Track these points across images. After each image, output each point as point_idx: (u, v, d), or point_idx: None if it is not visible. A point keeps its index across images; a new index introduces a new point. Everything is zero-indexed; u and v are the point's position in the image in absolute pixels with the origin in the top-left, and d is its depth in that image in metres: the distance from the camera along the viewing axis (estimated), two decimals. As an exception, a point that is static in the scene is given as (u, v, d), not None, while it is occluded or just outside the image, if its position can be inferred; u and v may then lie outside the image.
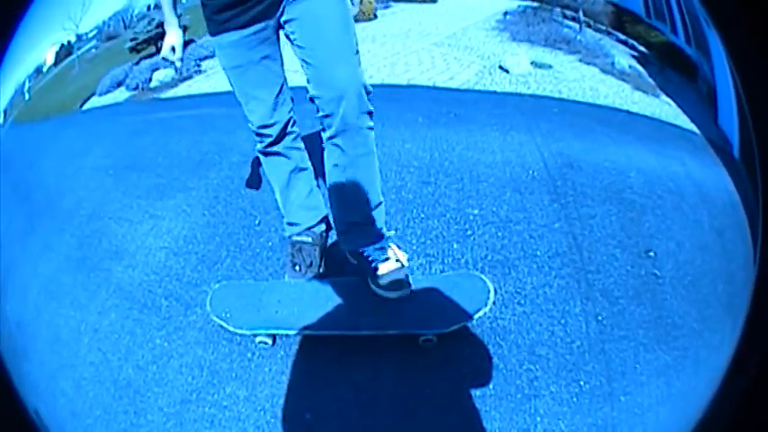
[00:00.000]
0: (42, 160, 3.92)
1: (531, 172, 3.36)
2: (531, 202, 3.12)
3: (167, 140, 4.17)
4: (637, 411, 2.20)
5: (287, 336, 2.48)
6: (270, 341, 2.50)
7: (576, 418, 2.17)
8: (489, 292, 2.48)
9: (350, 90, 2.36)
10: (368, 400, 2.26)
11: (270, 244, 2.98)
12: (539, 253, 2.80)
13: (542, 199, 3.14)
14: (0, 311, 2.49)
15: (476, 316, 2.40)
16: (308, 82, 2.44)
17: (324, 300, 2.55)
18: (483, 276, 2.59)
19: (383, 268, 2.52)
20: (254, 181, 3.36)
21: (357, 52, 2.44)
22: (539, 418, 2.16)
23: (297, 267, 2.74)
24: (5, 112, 3.41)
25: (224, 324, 2.51)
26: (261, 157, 2.76)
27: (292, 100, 2.66)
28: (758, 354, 1.32)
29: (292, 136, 2.71)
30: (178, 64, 2.80)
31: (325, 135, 2.48)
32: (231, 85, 2.60)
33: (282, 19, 2.45)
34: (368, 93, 2.41)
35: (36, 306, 2.80)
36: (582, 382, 2.26)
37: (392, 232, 2.67)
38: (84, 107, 4.62)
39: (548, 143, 3.63)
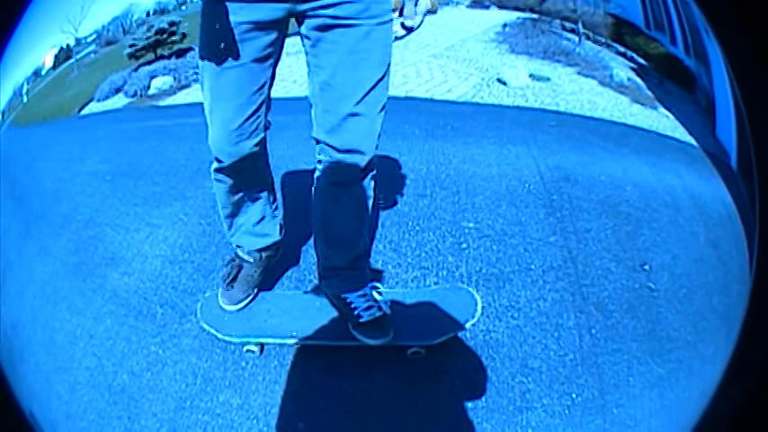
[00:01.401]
0: (39, 164, 3.93)
1: (527, 185, 3.36)
2: (526, 215, 3.13)
3: (165, 148, 4.17)
4: (629, 423, 2.21)
5: (280, 345, 2.48)
6: (257, 350, 2.49)
7: (568, 430, 2.17)
8: (477, 304, 2.48)
9: (368, 149, 2.20)
10: (360, 410, 2.26)
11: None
12: (533, 266, 2.80)
13: (538, 212, 3.15)
14: (-3, 313, 2.50)
15: (466, 325, 2.41)
16: (321, 124, 2.21)
17: (314, 310, 2.54)
18: (470, 289, 2.60)
19: (365, 315, 2.39)
20: None
21: (384, 107, 2.20)
22: (530, 431, 2.16)
23: (230, 285, 2.61)
24: (3, 113, 3.41)
25: (213, 331, 2.51)
26: (211, 174, 2.46)
27: (267, 127, 2.32)
28: (753, 365, 1.33)
29: (257, 169, 2.45)
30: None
31: (321, 178, 2.32)
32: (202, 85, 2.22)
33: (306, 29, 2.11)
34: (376, 149, 2.23)
35: (32, 309, 2.80)
36: (574, 395, 2.26)
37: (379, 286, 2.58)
38: (83, 112, 4.62)
39: (544, 156, 3.64)
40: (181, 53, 4.91)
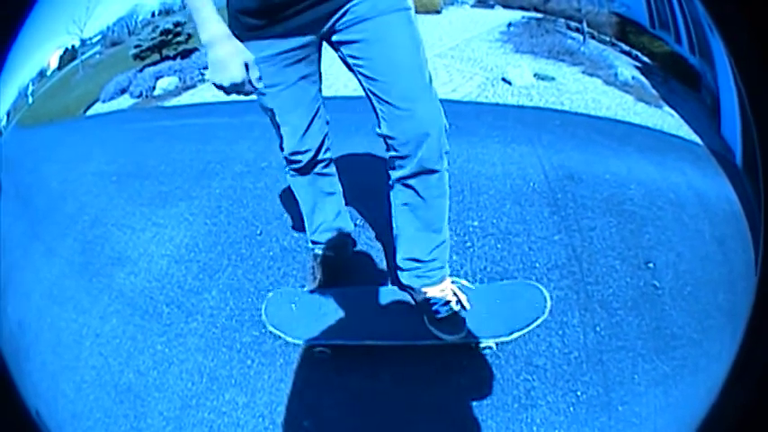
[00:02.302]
0: (45, 165, 3.95)
1: (531, 184, 3.36)
2: (531, 214, 3.12)
3: (170, 149, 4.18)
4: (634, 421, 2.20)
5: (286, 344, 2.48)
6: (329, 351, 2.45)
7: (573, 427, 2.17)
8: (546, 300, 2.48)
9: (433, 131, 2.14)
10: (366, 408, 2.27)
11: (271, 254, 2.98)
12: (538, 265, 2.80)
13: (542, 211, 3.14)
14: (2, 312, 2.51)
15: (536, 322, 2.41)
16: (381, 119, 2.19)
17: (385, 308, 2.53)
18: (539, 285, 2.59)
19: (443, 311, 2.38)
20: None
21: (431, 81, 2.19)
22: (535, 428, 2.16)
23: (316, 280, 2.67)
24: (8, 114, 3.42)
25: (281, 334, 2.50)
26: (288, 177, 2.58)
27: (327, 123, 2.46)
28: (758, 362, 1.33)
29: (324, 163, 2.53)
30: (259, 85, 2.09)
31: (394, 174, 2.28)
32: (263, 105, 2.33)
33: (336, 38, 2.18)
34: (446, 130, 2.19)
35: (38, 309, 2.81)
36: (579, 393, 2.26)
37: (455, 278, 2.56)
38: (88, 113, 4.63)
39: (549, 155, 3.63)
40: (186, 54, 4.92)
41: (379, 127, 2.22)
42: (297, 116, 2.35)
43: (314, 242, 2.71)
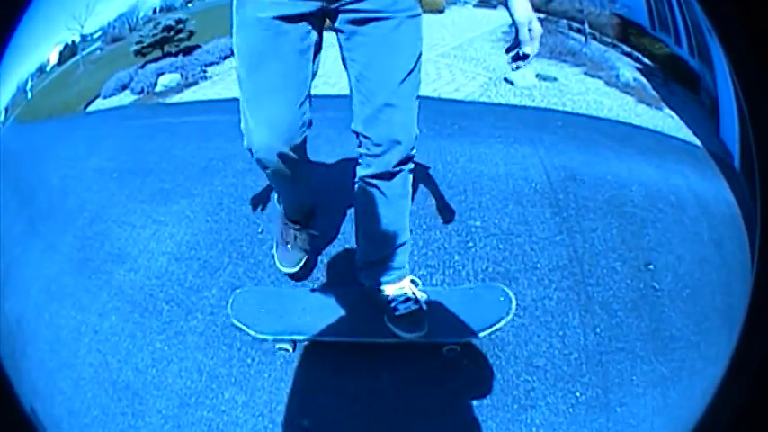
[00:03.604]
0: (45, 160, 3.94)
1: (533, 185, 3.37)
2: (532, 214, 3.13)
3: (172, 146, 4.18)
4: (632, 422, 2.22)
5: (291, 342, 2.49)
6: (291, 348, 2.48)
7: (572, 428, 2.18)
8: (511, 301, 2.48)
9: (405, 139, 2.18)
10: (365, 408, 2.27)
11: (272, 252, 2.98)
12: (539, 265, 2.80)
13: (544, 212, 3.15)
14: (0, 308, 2.51)
15: (500, 323, 2.40)
16: (358, 116, 2.20)
17: (348, 306, 2.54)
18: (504, 287, 2.59)
19: (401, 308, 2.39)
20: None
21: (419, 89, 2.21)
22: (535, 429, 2.16)
23: (287, 246, 2.73)
24: (6, 109, 3.42)
25: (246, 329, 2.50)
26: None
27: (310, 124, 2.25)
28: (754, 363, 1.33)
29: (299, 172, 2.39)
30: None
31: (361, 171, 2.30)
32: (239, 84, 2.17)
33: (340, 24, 2.11)
34: (416, 138, 2.22)
35: (37, 305, 2.80)
36: (578, 393, 2.26)
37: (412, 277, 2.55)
38: (89, 109, 4.63)
39: (551, 156, 3.64)
40: (188, 51, 4.92)
41: (354, 123, 2.23)
42: (280, 100, 2.13)
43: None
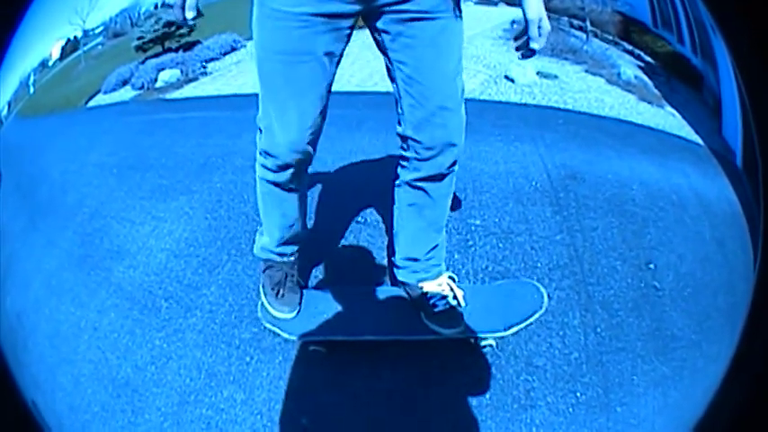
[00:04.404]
0: (46, 156, 3.93)
1: (533, 183, 3.36)
2: (533, 213, 3.12)
3: (172, 142, 4.17)
4: (632, 422, 2.21)
5: (284, 340, 2.48)
6: (323, 349, 2.44)
7: (572, 428, 2.17)
8: (543, 297, 2.49)
9: (460, 141, 2.19)
10: (365, 406, 2.27)
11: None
12: (539, 264, 2.80)
13: (545, 210, 3.14)
14: (0, 303, 2.51)
15: (533, 317, 2.43)
16: (406, 120, 2.17)
17: (381, 304, 2.55)
18: (536, 283, 2.61)
19: (440, 305, 2.40)
20: None
21: (464, 91, 2.19)
22: (534, 429, 2.16)
23: (281, 294, 2.52)
24: (9, 104, 3.41)
25: (279, 331, 2.49)
26: (259, 181, 2.37)
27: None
28: (756, 363, 1.33)
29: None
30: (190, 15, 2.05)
31: (406, 175, 2.31)
32: (262, 80, 2.12)
33: (383, 24, 2.05)
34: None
35: (37, 300, 2.80)
36: (578, 393, 2.26)
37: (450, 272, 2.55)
38: (89, 104, 4.62)
39: (551, 154, 3.63)
40: (188, 46, 4.91)
41: (402, 127, 2.20)
42: (309, 101, 2.09)
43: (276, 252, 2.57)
